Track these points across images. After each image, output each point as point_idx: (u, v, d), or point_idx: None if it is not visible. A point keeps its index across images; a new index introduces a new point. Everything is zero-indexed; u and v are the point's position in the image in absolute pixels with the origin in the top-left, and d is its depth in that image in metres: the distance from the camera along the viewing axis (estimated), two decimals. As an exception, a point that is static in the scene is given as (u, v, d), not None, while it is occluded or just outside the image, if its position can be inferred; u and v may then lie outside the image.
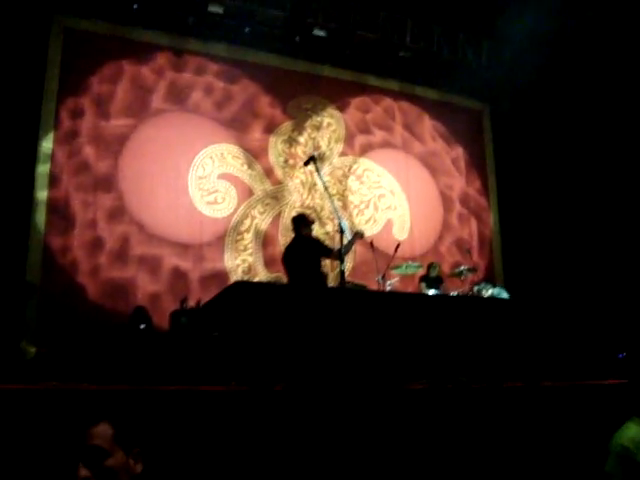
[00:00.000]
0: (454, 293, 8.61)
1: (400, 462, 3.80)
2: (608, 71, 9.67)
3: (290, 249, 6.49)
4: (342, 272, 5.44)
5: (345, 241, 5.56)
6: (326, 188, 6.44)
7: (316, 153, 9.34)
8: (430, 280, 9.05)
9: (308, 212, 8.01)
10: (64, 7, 8.94)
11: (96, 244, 8.59)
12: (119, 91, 9.24)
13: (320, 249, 6.29)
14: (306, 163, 6.15)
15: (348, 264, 9.92)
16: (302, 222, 6.53)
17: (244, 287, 4.54)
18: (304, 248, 6.27)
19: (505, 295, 8.47)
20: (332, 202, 6.30)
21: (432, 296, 7.73)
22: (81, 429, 2.14)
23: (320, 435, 3.65)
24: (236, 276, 9.22)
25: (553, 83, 10.36)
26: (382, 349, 4.58)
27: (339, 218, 5.59)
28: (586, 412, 4.24)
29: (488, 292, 8.45)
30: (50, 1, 8.79)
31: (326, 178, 10.18)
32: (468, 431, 4.02)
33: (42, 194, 8.41)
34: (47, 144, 8.57)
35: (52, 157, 8.58)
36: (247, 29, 9.82)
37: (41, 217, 8.35)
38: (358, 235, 6.01)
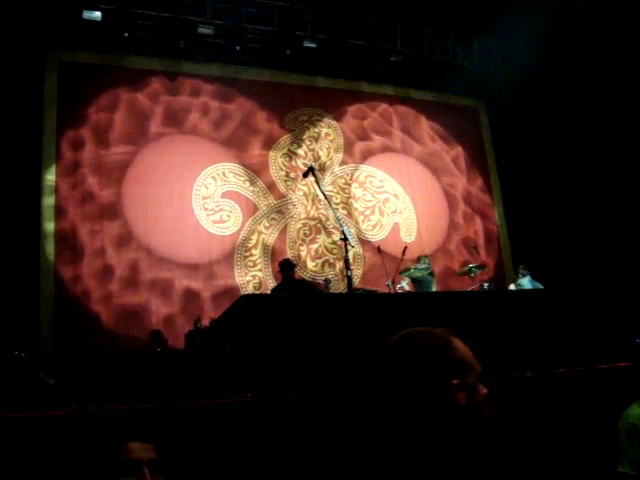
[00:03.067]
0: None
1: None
2: (602, 61, 9.68)
3: (279, 289, 7.00)
4: (349, 278, 5.47)
5: (349, 247, 5.59)
6: (326, 197, 6.48)
7: (314, 164, 9.40)
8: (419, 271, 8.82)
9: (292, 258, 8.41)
10: (57, 41, 9.07)
11: (106, 272, 8.67)
12: (117, 119, 9.35)
13: (308, 287, 7.07)
14: (305, 175, 6.19)
15: (358, 270, 9.96)
16: (288, 266, 7.19)
17: (252, 300, 4.59)
18: (293, 288, 6.78)
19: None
20: (333, 211, 6.35)
21: (440, 293, 7.76)
22: (116, 448, 2.17)
23: (335, 441, 3.67)
24: (247, 292, 9.26)
25: (547, 74, 10.37)
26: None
27: (341, 226, 5.63)
28: (598, 395, 4.25)
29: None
30: (43, 37, 8.91)
31: (329, 188, 10.24)
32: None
33: (49, 226, 8.51)
34: (50, 176, 8.68)
35: (56, 189, 8.70)
36: (238, 47, 9.93)
37: (50, 248, 8.45)
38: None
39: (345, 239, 5.42)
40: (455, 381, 1.32)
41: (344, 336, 4.32)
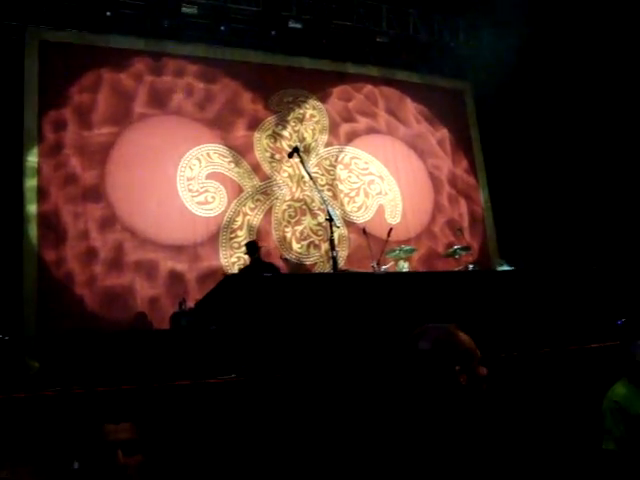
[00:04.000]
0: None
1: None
2: (589, 45, 9.68)
3: (247, 270, 7.53)
4: (334, 259, 5.47)
5: (335, 228, 5.58)
6: (311, 178, 6.47)
7: (299, 144, 9.36)
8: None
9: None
10: (37, 19, 8.92)
11: (90, 254, 8.59)
12: (100, 100, 9.23)
13: (272, 269, 7.37)
14: (290, 155, 6.18)
15: (343, 252, 9.97)
16: (254, 248, 7.73)
17: (236, 280, 4.58)
18: (260, 269, 7.24)
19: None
20: (319, 192, 6.36)
21: (426, 273, 7.78)
22: (98, 429, 2.18)
23: (321, 422, 3.69)
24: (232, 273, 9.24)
25: (534, 58, 10.36)
26: (384, 331, 4.61)
27: (326, 206, 5.62)
28: (583, 374, 4.30)
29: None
30: (24, 15, 8.77)
31: (314, 169, 10.22)
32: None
33: (32, 208, 8.41)
34: (32, 158, 8.57)
35: (39, 171, 8.58)
36: (222, 27, 9.84)
37: (33, 231, 8.36)
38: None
39: (330, 219, 5.42)
40: (457, 367, 1.87)
41: (330, 316, 4.33)
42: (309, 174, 6.14)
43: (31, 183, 8.50)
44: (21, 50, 8.81)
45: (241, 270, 7.77)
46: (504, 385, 3.90)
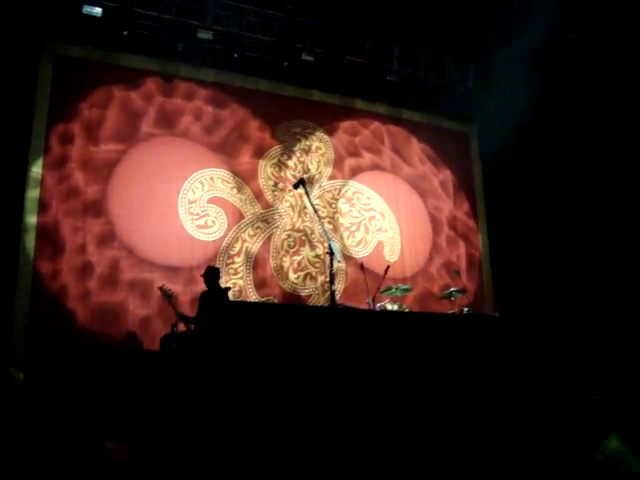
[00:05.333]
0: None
1: None
2: (598, 97, 9.81)
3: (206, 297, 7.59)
4: (332, 293, 5.46)
5: (335, 262, 5.57)
6: (315, 211, 6.47)
7: (305, 176, 9.41)
8: None
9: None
10: (55, 34, 9.02)
11: (86, 269, 8.56)
12: (109, 116, 9.28)
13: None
14: (296, 186, 6.16)
15: (339, 285, 9.95)
16: (213, 274, 7.69)
17: (238, 307, 4.55)
18: (218, 296, 7.44)
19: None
20: (322, 224, 6.35)
21: (416, 314, 7.80)
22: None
23: (320, 448, 3.65)
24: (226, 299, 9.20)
25: (541, 104, 10.47)
26: (376, 369, 4.59)
27: (329, 240, 5.62)
28: (578, 426, 4.27)
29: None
30: (41, 28, 8.86)
31: (316, 201, 10.24)
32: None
33: (31, 219, 8.40)
34: (37, 169, 8.58)
35: (42, 182, 8.59)
36: (236, 55, 9.94)
37: (30, 242, 8.34)
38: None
39: (331, 253, 5.41)
40: None
41: (323, 348, 4.30)
42: (313, 207, 6.15)
43: (33, 194, 8.50)
44: (36, 62, 8.88)
45: (202, 295, 7.74)
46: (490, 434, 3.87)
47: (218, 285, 7.71)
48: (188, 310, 8.78)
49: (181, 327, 7.68)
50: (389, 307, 8.63)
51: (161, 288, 7.80)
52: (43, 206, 8.53)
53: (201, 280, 9.09)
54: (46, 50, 9.02)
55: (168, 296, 7.66)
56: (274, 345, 4.15)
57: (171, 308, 7.58)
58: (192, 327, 7.40)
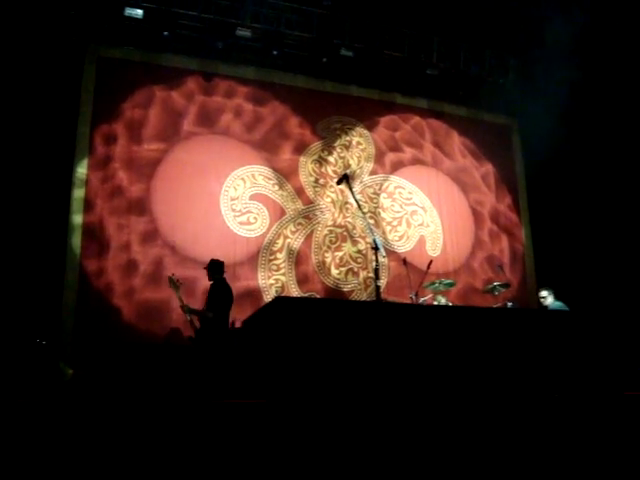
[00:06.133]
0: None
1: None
2: None
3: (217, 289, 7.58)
4: (377, 288, 5.42)
5: (380, 257, 5.54)
6: (359, 206, 6.46)
7: (349, 172, 9.39)
8: None
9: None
10: (98, 36, 9.19)
11: (130, 266, 8.71)
12: (151, 116, 9.41)
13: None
14: (339, 182, 6.12)
15: (382, 280, 9.91)
16: (218, 268, 7.72)
17: (285, 303, 4.55)
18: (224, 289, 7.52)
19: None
20: (365, 219, 6.31)
21: (467, 308, 7.70)
22: None
23: (360, 448, 3.63)
24: (269, 295, 9.26)
25: (583, 96, 10.27)
26: (423, 365, 4.54)
27: (373, 235, 5.59)
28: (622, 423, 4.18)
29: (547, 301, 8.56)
30: (84, 31, 9.03)
31: (357, 196, 10.21)
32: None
33: (77, 218, 8.58)
34: (82, 169, 8.76)
35: (87, 182, 8.77)
36: (275, 52, 9.97)
37: (77, 241, 8.51)
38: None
39: (376, 248, 5.37)
40: None
41: (368, 344, 4.28)
42: (357, 202, 6.11)
43: (79, 194, 8.67)
44: (80, 65, 9.08)
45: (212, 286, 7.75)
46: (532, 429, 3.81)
47: (223, 279, 7.69)
48: (232, 308, 8.85)
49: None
50: (442, 301, 8.59)
51: (170, 277, 7.75)
52: (88, 205, 8.71)
53: (244, 276, 9.21)
54: (89, 52, 9.21)
55: (176, 286, 7.62)
56: (324, 341, 4.15)
57: (177, 298, 7.55)
58: (210, 315, 7.35)
